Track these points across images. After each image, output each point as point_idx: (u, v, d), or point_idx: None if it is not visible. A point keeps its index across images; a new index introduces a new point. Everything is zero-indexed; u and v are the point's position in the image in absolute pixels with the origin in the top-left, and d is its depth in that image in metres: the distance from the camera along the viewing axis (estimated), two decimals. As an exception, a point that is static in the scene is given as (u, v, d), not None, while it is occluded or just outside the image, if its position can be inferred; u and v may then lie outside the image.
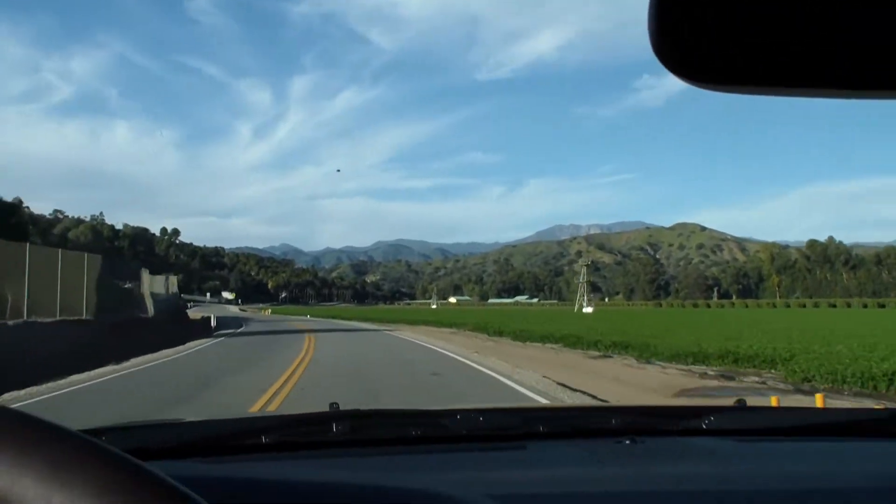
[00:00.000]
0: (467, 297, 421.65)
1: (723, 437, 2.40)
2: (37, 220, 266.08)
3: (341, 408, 2.47)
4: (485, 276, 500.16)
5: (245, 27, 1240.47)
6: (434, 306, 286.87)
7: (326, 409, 2.47)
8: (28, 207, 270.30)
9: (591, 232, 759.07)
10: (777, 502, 1.79)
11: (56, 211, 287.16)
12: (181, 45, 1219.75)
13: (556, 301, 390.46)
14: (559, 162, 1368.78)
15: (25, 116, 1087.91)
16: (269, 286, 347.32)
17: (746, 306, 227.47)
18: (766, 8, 0.75)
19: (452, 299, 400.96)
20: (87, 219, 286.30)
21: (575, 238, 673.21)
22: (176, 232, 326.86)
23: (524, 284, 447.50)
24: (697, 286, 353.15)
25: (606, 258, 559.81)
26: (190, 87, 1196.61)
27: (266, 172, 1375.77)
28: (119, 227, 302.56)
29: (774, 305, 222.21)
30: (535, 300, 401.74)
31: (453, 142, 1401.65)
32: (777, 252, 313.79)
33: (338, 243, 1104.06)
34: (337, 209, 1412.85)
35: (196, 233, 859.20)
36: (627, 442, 2.26)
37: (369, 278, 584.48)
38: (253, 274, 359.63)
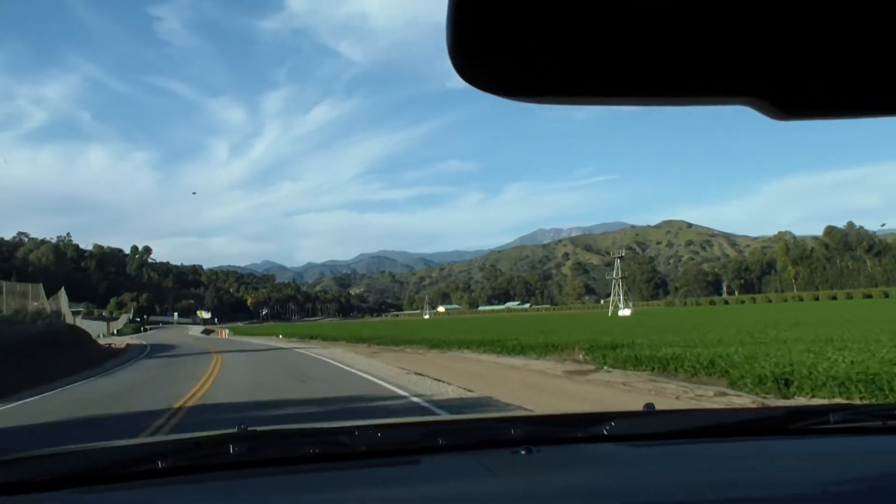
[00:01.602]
0: (456, 306, 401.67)
1: (622, 443, 2.37)
2: None
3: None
4: (472, 284, 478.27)
5: (216, 46, 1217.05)
6: (426, 317, 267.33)
7: (233, 430, 2.41)
8: None
9: (574, 234, 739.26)
10: None
11: (20, 233, 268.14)
12: (152, 66, 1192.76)
13: (548, 305, 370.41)
14: (536, 166, 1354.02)
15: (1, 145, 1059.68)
16: (249, 303, 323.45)
17: (770, 301, 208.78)
18: (562, 21, 0.73)
19: (441, 308, 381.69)
20: (54, 241, 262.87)
21: (560, 241, 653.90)
22: (147, 250, 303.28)
23: (514, 290, 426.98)
24: (698, 283, 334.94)
25: (594, 259, 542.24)
26: (163, 108, 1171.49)
27: (244, 190, 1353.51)
28: (89, 247, 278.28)
29: (801, 299, 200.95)
30: (527, 305, 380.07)
31: (430, 151, 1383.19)
32: (792, 242, 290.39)
33: (320, 258, 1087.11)
34: (317, 223, 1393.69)
35: (176, 253, 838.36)
36: (523, 452, 2.22)
37: (353, 291, 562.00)
38: (232, 291, 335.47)
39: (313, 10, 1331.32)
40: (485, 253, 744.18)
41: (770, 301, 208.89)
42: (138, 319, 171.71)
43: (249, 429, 2.40)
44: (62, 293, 68.83)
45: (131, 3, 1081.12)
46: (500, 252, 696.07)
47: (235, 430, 2.37)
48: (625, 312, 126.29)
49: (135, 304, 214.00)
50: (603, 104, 0.81)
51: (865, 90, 0.80)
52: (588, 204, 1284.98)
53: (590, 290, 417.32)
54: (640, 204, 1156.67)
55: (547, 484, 2.01)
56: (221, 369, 28.45)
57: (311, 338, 69.47)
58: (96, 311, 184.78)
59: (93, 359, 40.45)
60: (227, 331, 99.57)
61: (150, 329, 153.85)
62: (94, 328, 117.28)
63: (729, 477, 2.05)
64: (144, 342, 71.30)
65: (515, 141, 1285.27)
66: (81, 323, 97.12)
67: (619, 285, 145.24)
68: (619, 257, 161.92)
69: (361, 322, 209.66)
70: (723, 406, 12.91)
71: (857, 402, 12.20)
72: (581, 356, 26.91)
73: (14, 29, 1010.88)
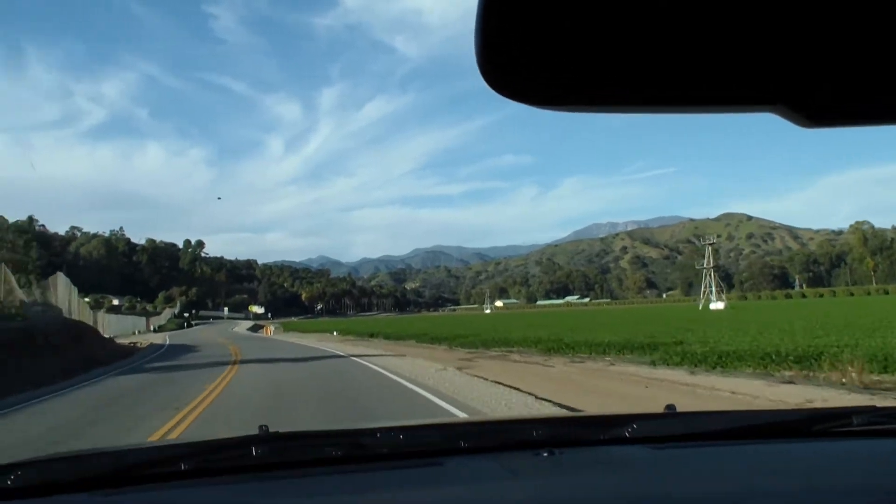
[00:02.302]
0: (514, 300, 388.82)
1: (645, 445, 2.35)
2: (51, 237, 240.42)
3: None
4: (530, 278, 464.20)
5: (270, 42, 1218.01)
6: (488, 311, 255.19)
7: (255, 432, 2.40)
8: (43, 226, 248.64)
9: (630, 228, 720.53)
10: None
11: (73, 227, 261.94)
12: (208, 63, 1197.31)
13: (608, 300, 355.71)
14: (591, 160, 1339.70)
15: (59, 142, 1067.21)
16: (303, 298, 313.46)
17: (851, 294, 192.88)
18: (589, 32, 0.74)
19: (499, 303, 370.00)
20: (107, 234, 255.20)
21: (618, 234, 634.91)
22: (200, 244, 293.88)
23: (573, 284, 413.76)
24: (763, 276, 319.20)
25: (653, 253, 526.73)
26: (218, 104, 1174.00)
27: (299, 185, 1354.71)
28: (142, 242, 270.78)
29: (887, 292, 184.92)
30: (587, 300, 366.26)
31: (484, 145, 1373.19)
32: (871, 232, 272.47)
33: (374, 253, 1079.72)
34: (371, 219, 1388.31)
35: (230, 249, 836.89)
36: (545, 454, 2.22)
37: (409, 285, 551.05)
38: (286, 286, 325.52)
39: (367, 5, 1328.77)
40: (540, 247, 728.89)
41: (852, 294, 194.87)
42: (186, 314, 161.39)
43: (271, 431, 2.38)
44: (60, 278, 58.03)
45: (187, 1, 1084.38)
46: (556, 246, 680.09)
47: (257, 432, 2.37)
48: (717, 306, 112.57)
49: (183, 298, 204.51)
50: (630, 112, 0.81)
51: (891, 97, 0.79)
52: (643, 198, 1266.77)
53: (651, 284, 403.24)
54: (697, 197, 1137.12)
55: (569, 486, 2.01)
56: (203, 413, 14.90)
57: (371, 335, 58.05)
58: (139, 306, 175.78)
59: (77, 366, 29.97)
60: (273, 327, 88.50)
61: (197, 324, 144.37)
62: (129, 323, 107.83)
63: (750, 480, 2.05)
64: (167, 341, 60.72)
65: (570, 135, 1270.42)
66: (104, 317, 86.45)
67: (711, 276, 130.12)
68: (709, 244, 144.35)
69: (420, 317, 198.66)
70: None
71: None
72: (855, 374, 15.65)
73: (72, 28, 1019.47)
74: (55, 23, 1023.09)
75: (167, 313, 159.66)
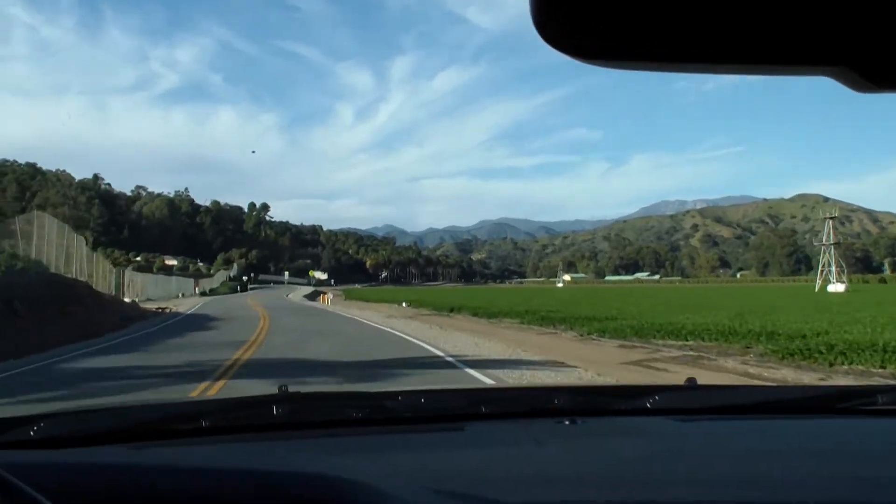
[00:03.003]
0: (582, 275, 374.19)
1: (666, 417, 2.36)
2: (115, 196, 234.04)
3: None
4: (598, 253, 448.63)
5: (344, 11, 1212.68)
6: (560, 285, 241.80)
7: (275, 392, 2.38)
8: (109, 185, 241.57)
9: (699, 206, 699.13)
10: (717, 481, 1.77)
11: (138, 187, 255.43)
12: (282, 30, 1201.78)
13: (678, 277, 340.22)
14: (663, 137, 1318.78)
15: (134, 105, 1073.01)
16: (368, 265, 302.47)
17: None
18: None
19: (567, 276, 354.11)
20: (172, 195, 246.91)
21: (688, 211, 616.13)
22: (265, 207, 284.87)
23: (643, 260, 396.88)
24: (845, 260, 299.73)
25: (725, 232, 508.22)
26: (291, 71, 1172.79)
27: (369, 154, 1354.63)
28: (205, 202, 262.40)
29: None
30: (657, 277, 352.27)
31: (556, 119, 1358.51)
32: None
33: (441, 223, 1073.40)
34: (439, 189, 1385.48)
35: (297, 215, 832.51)
36: (567, 422, 2.21)
37: (475, 256, 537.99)
38: (351, 252, 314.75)
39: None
40: (608, 222, 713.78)
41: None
42: (244, 278, 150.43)
43: (292, 391, 2.37)
44: (46, 219, 46.11)
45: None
46: (625, 222, 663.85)
47: (285, 391, 2.35)
48: (837, 288, 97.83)
49: (243, 261, 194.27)
50: (685, 71, 0.78)
51: None
52: (713, 176, 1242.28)
53: (724, 263, 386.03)
54: (768, 178, 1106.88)
55: (590, 454, 2.01)
56: None
57: (452, 311, 46.09)
58: (192, 266, 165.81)
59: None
60: (332, 294, 71.68)
61: (253, 289, 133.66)
62: (172, 286, 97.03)
63: (771, 453, 2.03)
64: (192, 309, 49.95)
65: (642, 111, 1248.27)
66: (136, 278, 75.56)
67: (830, 254, 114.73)
68: (829, 218, 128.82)
69: (489, 289, 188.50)
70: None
71: None
72: None
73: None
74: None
75: (220, 276, 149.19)
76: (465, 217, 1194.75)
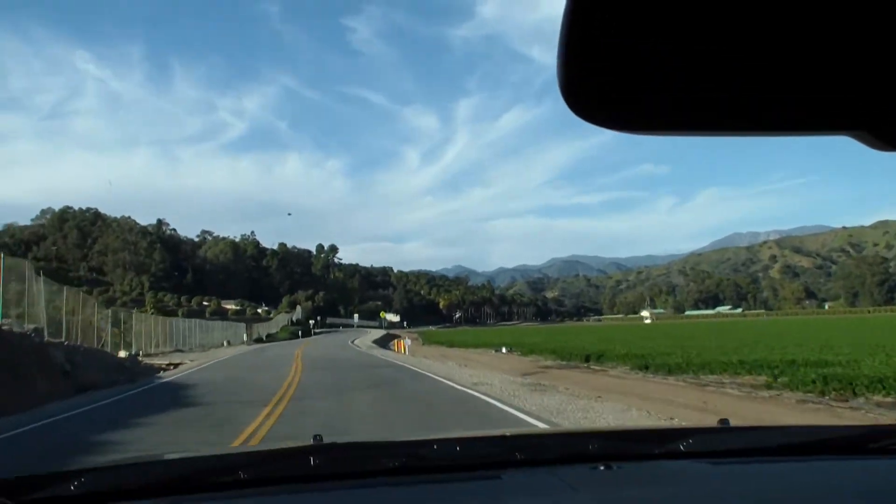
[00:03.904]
0: (661, 310, 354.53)
1: (702, 460, 2.31)
2: (179, 241, 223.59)
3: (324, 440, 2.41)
4: (677, 288, 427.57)
5: (407, 55, 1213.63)
6: (648, 321, 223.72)
7: (310, 441, 2.39)
8: (174, 230, 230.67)
9: (772, 238, 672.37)
10: None
11: (203, 231, 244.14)
12: (346, 76, 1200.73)
13: (762, 311, 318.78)
14: (731, 169, 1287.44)
15: (201, 154, 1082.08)
16: (441, 305, 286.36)
17: None
18: (669, 58, 0.73)
19: (644, 312, 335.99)
20: (237, 239, 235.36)
21: (764, 242, 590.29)
22: (333, 249, 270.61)
23: (723, 293, 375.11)
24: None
25: (804, 262, 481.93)
26: (357, 116, 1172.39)
27: (436, 196, 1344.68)
28: (272, 246, 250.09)
29: None
30: (739, 310, 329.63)
31: (622, 154, 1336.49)
32: None
33: (511, 262, 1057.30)
34: (508, 229, 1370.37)
35: (366, 258, 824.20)
36: (602, 468, 2.19)
37: (548, 294, 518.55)
38: (423, 293, 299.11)
39: (504, 16, 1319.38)
40: (681, 256, 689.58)
41: None
42: (311, 321, 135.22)
43: (329, 441, 2.37)
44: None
45: (325, 16, 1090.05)
46: (699, 255, 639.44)
47: (319, 441, 2.36)
48: None
49: (309, 303, 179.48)
50: (712, 135, 0.80)
51: None
52: (784, 207, 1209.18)
53: (809, 294, 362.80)
54: (842, 205, 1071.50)
55: (627, 500, 2.00)
56: None
57: (573, 358, 35.07)
58: (249, 310, 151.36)
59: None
60: (407, 340, 52.26)
61: (319, 333, 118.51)
62: (217, 333, 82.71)
63: (805, 497, 2.00)
64: (204, 368, 34.22)
65: (709, 144, 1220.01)
66: (148, 322, 60.28)
67: None
68: None
69: (570, 327, 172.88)
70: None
71: None
72: None
73: (215, 45, 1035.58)
74: (200, 40, 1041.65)
75: (280, 319, 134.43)
76: (534, 255, 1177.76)
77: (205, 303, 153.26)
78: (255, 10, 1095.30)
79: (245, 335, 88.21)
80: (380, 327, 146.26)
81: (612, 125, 0.78)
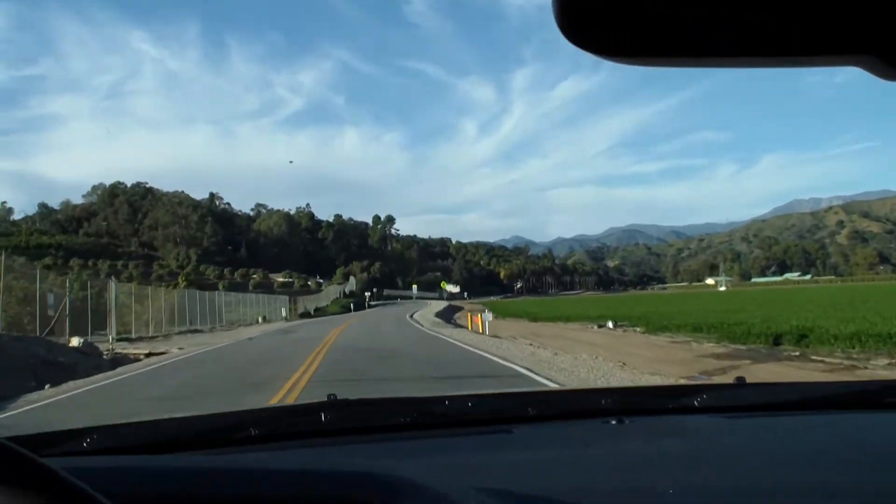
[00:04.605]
0: (727, 277, 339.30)
1: (715, 415, 2.31)
2: (233, 215, 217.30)
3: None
4: (741, 255, 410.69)
5: (464, 26, 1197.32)
6: (723, 289, 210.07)
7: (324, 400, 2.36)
8: (228, 203, 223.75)
9: (834, 204, 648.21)
10: (768, 477, 1.72)
11: (258, 205, 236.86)
12: (402, 48, 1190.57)
13: (832, 276, 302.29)
14: (793, 134, 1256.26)
15: (259, 130, 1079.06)
16: (502, 276, 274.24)
17: None
18: None
19: (710, 280, 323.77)
20: (293, 212, 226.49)
21: (830, 207, 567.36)
22: (390, 220, 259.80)
23: (791, 260, 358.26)
24: None
25: (874, 227, 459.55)
26: (413, 89, 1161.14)
27: (493, 167, 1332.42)
28: (327, 218, 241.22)
29: None
30: (808, 276, 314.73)
31: (681, 122, 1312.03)
32: None
33: (568, 232, 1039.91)
34: (566, 199, 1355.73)
35: (423, 230, 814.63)
36: (614, 422, 2.19)
37: (609, 263, 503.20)
38: (482, 264, 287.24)
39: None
40: (742, 223, 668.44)
41: None
42: (367, 293, 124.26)
43: (340, 398, 2.34)
44: None
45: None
46: (763, 221, 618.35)
47: (330, 399, 2.31)
48: None
49: (365, 275, 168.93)
50: (711, 65, 0.74)
51: None
52: (848, 172, 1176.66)
53: (884, 259, 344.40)
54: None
55: (638, 453, 1.96)
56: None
57: (748, 340, 23.64)
58: (298, 282, 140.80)
59: None
60: (487, 314, 33.30)
61: (375, 305, 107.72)
62: (250, 306, 72.28)
63: (819, 449, 1.98)
64: (206, 353, 25.77)
65: (771, 109, 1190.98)
66: (141, 293, 48.74)
67: None
68: None
69: (640, 296, 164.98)
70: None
71: None
72: None
73: (272, 21, 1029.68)
74: (255, 17, 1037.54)
75: (331, 291, 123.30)
76: (592, 225, 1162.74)
77: (253, 275, 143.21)
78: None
79: (284, 310, 77.09)
80: (440, 298, 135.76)
81: (610, 53, 0.73)
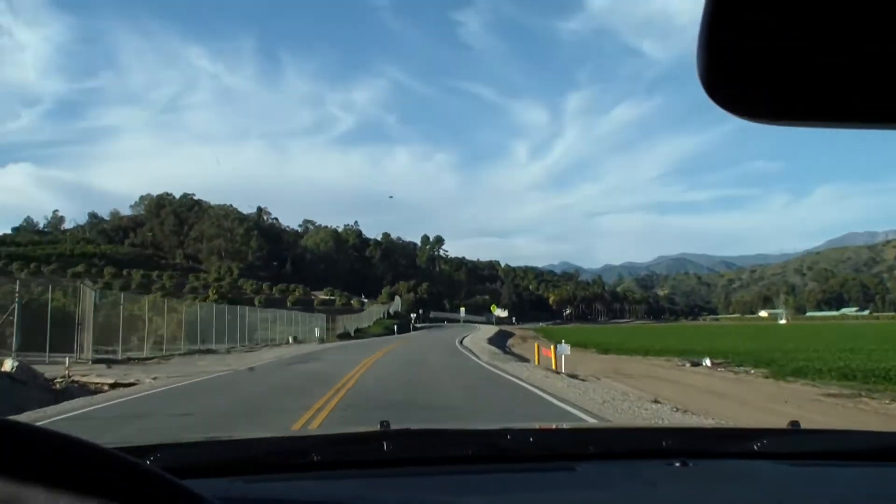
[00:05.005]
0: (781, 310, 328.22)
1: (776, 461, 2.27)
2: (280, 230, 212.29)
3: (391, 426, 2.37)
4: (796, 287, 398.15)
5: (516, 48, 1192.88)
6: (783, 322, 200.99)
7: (377, 427, 2.35)
8: (276, 219, 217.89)
9: (891, 238, 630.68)
10: None
11: (306, 221, 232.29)
12: (455, 69, 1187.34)
13: (892, 313, 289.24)
14: (847, 166, 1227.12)
15: (310, 147, 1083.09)
16: (551, 301, 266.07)
17: None
18: (814, 43, 0.69)
19: (763, 313, 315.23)
20: (340, 229, 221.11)
21: (889, 241, 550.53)
22: (439, 240, 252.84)
23: (848, 294, 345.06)
24: None
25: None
26: (465, 110, 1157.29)
27: (543, 191, 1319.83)
28: (375, 237, 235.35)
29: None
30: (867, 312, 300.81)
31: (733, 151, 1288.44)
32: None
33: (617, 259, 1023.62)
34: (615, 225, 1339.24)
35: (472, 252, 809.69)
36: (678, 464, 2.14)
37: (659, 292, 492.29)
38: (531, 288, 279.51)
39: (614, 8, 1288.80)
40: (794, 255, 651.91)
41: None
42: (413, 314, 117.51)
43: (403, 427, 2.34)
44: None
45: (435, 9, 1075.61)
46: (818, 254, 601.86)
47: (386, 427, 2.31)
48: None
49: (411, 295, 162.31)
50: (851, 127, 0.75)
51: None
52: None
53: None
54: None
55: (704, 497, 1.95)
56: None
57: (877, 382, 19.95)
58: (339, 300, 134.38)
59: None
60: (564, 347, 24.47)
61: (421, 327, 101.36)
62: (283, 324, 65.45)
63: (887, 500, 1.94)
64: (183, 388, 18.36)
65: (826, 139, 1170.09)
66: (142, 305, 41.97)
67: None
68: None
69: (697, 327, 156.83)
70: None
71: None
72: None
73: (327, 38, 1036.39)
74: (311, 34, 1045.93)
75: (374, 311, 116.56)
76: (641, 253, 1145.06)
77: (294, 291, 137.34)
78: (365, 2, 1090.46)
79: (317, 329, 69.61)
80: (487, 322, 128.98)
81: (754, 115, 0.74)
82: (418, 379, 21.96)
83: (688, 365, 29.36)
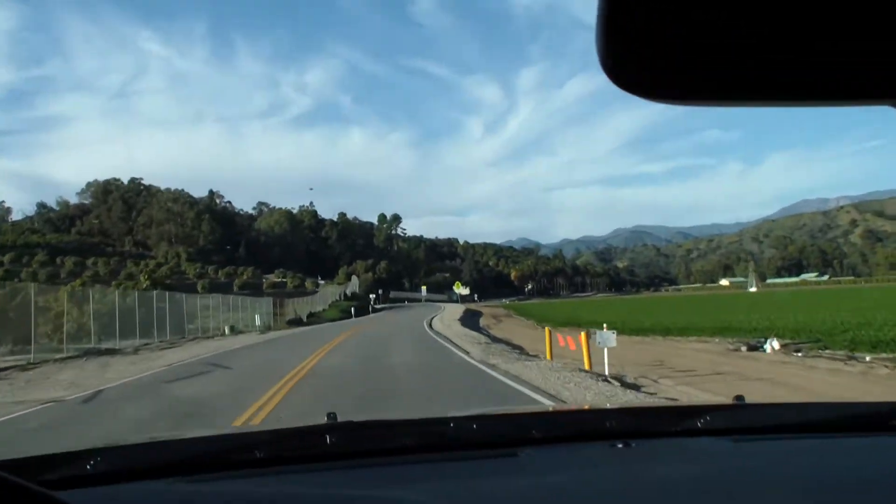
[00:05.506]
0: (742, 278, 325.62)
1: (719, 437, 2.28)
2: (233, 214, 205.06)
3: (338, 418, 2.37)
4: (754, 255, 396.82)
5: (469, 25, 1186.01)
6: (753, 290, 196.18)
7: (324, 419, 2.34)
8: (229, 202, 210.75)
9: (842, 204, 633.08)
10: (774, 502, 1.71)
11: (260, 203, 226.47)
12: (407, 48, 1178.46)
13: (850, 277, 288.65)
14: (801, 132, 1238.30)
15: (268, 130, 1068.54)
16: (512, 276, 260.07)
17: None
18: (711, 23, 0.69)
19: (724, 281, 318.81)
20: (295, 210, 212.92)
21: (842, 207, 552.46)
22: (397, 219, 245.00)
23: (807, 260, 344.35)
24: None
25: (888, 226, 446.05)
26: (419, 88, 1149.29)
27: (499, 167, 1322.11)
28: (331, 217, 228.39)
29: None
30: (826, 277, 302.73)
31: (690, 121, 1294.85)
32: None
33: (575, 234, 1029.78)
34: (572, 199, 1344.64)
35: (430, 231, 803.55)
36: (620, 445, 2.15)
37: (618, 265, 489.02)
38: (491, 265, 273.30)
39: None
40: (749, 224, 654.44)
41: None
42: (372, 295, 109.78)
43: (347, 420, 2.33)
44: None
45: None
46: (772, 221, 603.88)
47: (333, 420, 2.32)
48: None
49: (369, 275, 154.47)
50: (749, 105, 0.76)
51: None
52: (854, 171, 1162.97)
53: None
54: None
55: (646, 478, 1.94)
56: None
57: None
58: (291, 282, 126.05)
59: None
60: (599, 333, 16.26)
61: (381, 309, 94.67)
62: (218, 312, 56.65)
63: (825, 475, 1.95)
64: None
65: (779, 110, 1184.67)
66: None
67: None
68: None
69: (664, 298, 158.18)
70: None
71: None
72: None
73: (278, 19, 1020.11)
74: (263, 15, 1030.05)
75: (329, 292, 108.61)
76: (599, 226, 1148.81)
77: (241, 274, 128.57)
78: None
79: (258, 317, 60.21)
80: (449, 301, 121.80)
81: (654, 95, 0.75)
82: (381, 404, 12.76)
83: (744, 349, 22.02)
